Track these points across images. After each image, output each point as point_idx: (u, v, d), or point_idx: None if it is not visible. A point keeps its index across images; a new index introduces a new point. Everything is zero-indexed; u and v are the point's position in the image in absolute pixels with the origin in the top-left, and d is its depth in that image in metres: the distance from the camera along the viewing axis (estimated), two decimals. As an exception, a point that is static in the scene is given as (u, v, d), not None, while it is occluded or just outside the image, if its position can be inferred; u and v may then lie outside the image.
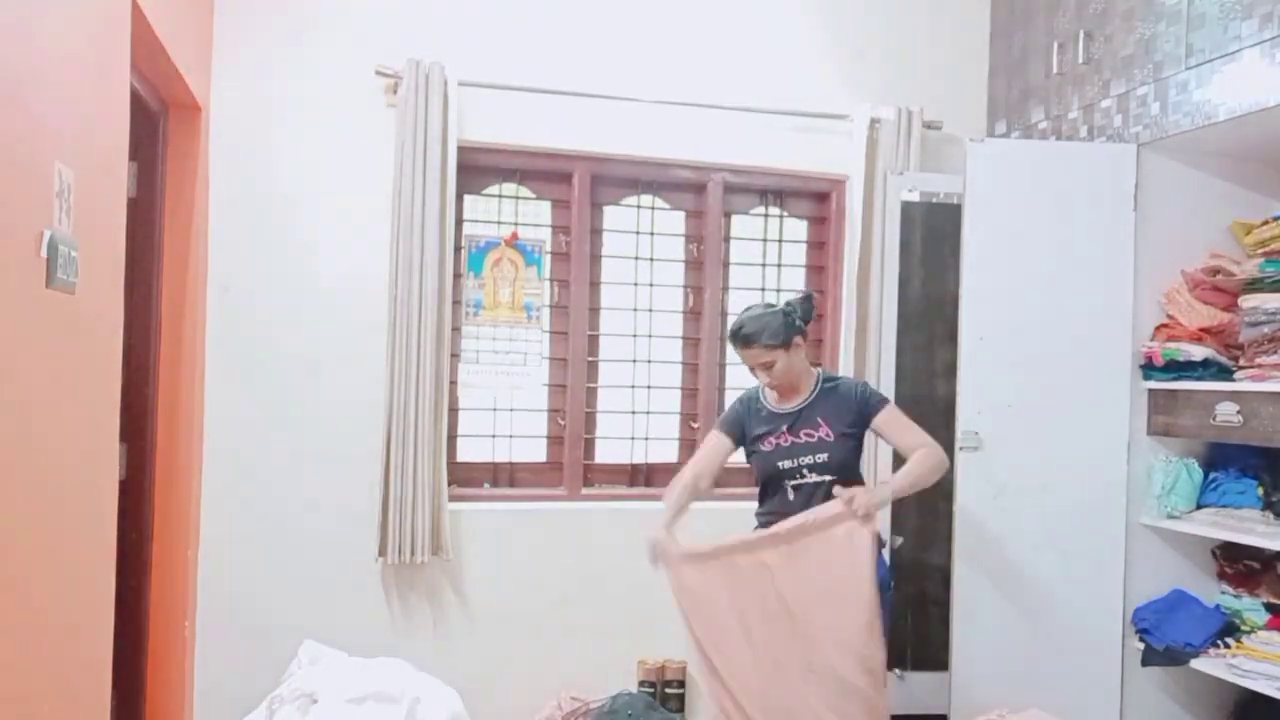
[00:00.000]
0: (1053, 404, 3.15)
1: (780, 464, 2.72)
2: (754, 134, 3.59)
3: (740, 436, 2.80)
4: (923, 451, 2.66)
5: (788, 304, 2.76)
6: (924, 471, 2.64)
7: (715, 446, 2.81)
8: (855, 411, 2.73)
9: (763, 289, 3.74)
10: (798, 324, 2.71)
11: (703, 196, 3.67)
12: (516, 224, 3.52)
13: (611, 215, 3.64)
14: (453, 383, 3.37)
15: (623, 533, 3.44)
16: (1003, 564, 3.15)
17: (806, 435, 2.71)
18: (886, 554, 2.80)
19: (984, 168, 3.18)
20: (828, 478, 2.67)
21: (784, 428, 2.73)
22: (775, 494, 2.76)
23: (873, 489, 2.64)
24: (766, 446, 2.74)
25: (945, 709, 3.16)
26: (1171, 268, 3.18)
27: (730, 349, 3.62)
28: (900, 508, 3.49)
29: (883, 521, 3.48)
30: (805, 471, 2.70)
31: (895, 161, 3.55)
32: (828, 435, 2.70)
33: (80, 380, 1.94)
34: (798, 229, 3.81)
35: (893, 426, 2.73)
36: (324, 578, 3.23)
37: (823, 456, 2.69)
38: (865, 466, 3.61)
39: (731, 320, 2.73)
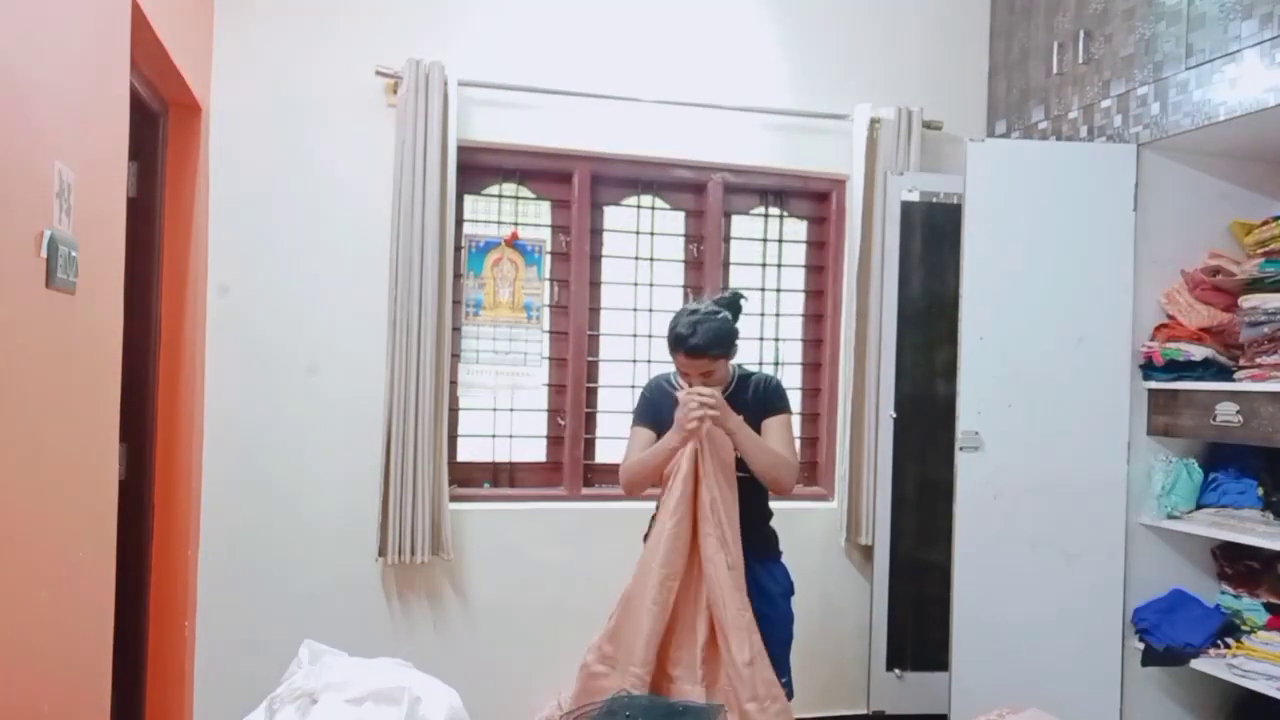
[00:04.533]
0: (1053, 404, 3.15)
1: None
2: (754, 134, 3.59)
3: (657, 426, 2.63)
4: (785, 453, 2.55)
5: (719, 304, 2.58)
6: (772, 458, 2.51)
7: (639, 440, 2.65)
8: (761, 402, 2.60)
9: (763, 289, 3.74)
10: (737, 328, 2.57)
11: (703, 196, 3.67)
12: (516, 224, 3.52)
13: (611, 215, 3.64)
14: (453, 383, 3.38)
15: (622, 532, 3.43)
16: (1003, 564, 3.15)
17: None
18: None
19: (984, 168, 3.18)
20: (745, 474, 2.52)
21: None
22: None
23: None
24: None
25: (945, 709, 3.17)
26: (1171, 268, 3.19)
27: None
28: (901, 507, 3.49)
29: (883, 524, 3.49)
30: None
31: (895, 161, 3.56)
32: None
33: (80, 380, 1.94)
34: (798, 229, 3.81)
35: (775, 431, 2.58)
36: (324, 578, 3.23)
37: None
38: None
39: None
